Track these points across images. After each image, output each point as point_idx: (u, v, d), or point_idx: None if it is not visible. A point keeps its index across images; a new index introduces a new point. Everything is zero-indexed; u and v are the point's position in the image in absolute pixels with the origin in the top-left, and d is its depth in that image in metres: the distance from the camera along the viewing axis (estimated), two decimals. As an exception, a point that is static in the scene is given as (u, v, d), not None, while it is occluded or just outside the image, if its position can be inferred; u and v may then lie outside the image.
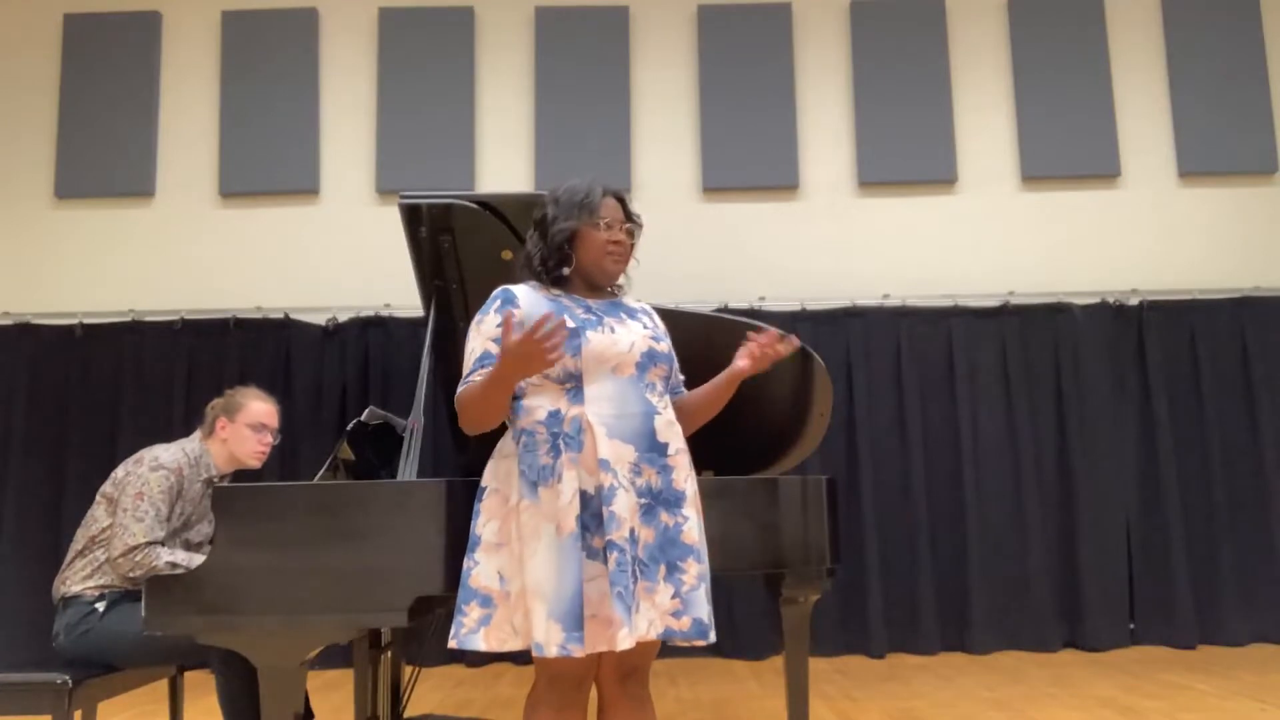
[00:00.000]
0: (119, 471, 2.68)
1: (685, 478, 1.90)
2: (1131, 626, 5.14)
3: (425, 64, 5.59)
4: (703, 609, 1.81)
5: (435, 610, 2.77)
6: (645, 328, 1.98)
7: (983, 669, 4.63)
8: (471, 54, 5.62)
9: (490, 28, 5.69)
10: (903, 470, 5.21)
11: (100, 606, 2.57)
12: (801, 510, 2.69)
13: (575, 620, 1.73)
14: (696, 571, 1.83)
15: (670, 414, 1.95)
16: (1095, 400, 5.28)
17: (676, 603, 1.80)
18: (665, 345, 1.98)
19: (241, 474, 2.98)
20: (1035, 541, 5.13)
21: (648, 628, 1.78)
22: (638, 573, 1.80)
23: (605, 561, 1.77)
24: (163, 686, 2.95)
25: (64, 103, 5.55)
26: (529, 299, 1.93)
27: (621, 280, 2.04)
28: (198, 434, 2.85)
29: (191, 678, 3.39)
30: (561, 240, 1.95)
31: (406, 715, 3.37)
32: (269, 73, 5.59)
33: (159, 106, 5.59)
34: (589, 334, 1.87)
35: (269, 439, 2.87)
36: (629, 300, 2.07)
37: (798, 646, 2.80)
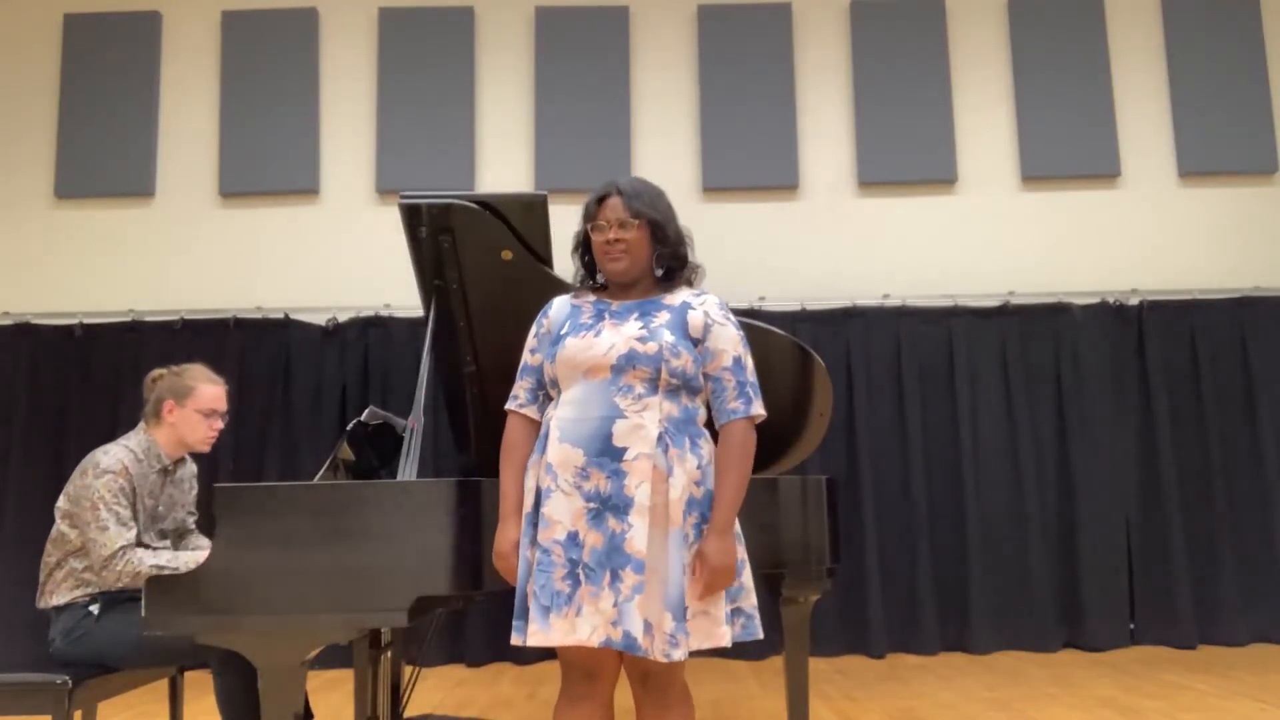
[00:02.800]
0: (69, 487, 2.61)
1: (638, 484, 1.82)
2: (1131, 626, 5.14)
3: (425, 64, 5.59)
4: (634, 622, 1.75)
5: (435, 610, 2.77)
6: (642, 328, 1.91)
7: (983, 669, 4.63)
8: (471, 54, 5.62)
9: (490, 28, 5.69)
10: (903, 470, 5.21)
11: (94, 610, 2.56)
12: (801, 510, 2.69)
13: (520, 610, 1.86)
14: (633, 582, 1.77)
15: (641, 419, 1.85)
16: (1095, 400, 5.28)
17: (614, 611, 1.76)
18: (654, 346, 1.87)
19: (240, 473, 2.97)
20: (1035, 542, 5.13)
21: (590, 634, 1.76)
22: (582, 577, 1.79)
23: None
24: (162, 686, 2.96)
25: (64, 103, 5.55)
26: (558, 306, 2.05)
27: (695, 275, 2.05)
28: (141, 426, 2.74)
29: (191, 678, 3.39)
30: (576, 246, 2.07)
31: (406, 715, 3.37)
32: (269, 73, 5.59)
33: (159, 106, 5.60)
34: (567, 341, 1.93)
35: (219, 424, 2.77)
36: (674, 298, 1.99)
37: (798, 646, 2.80)
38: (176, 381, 2.72)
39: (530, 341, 2.05)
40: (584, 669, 1.91)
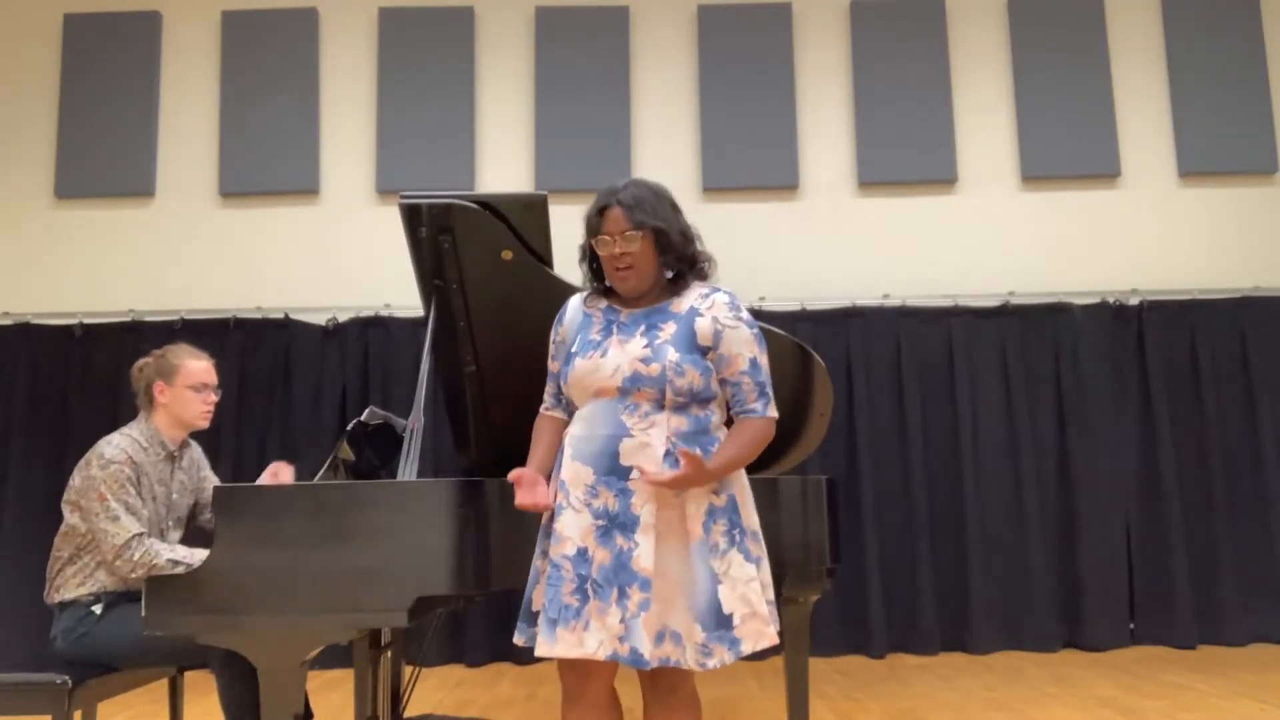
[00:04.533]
0: (75, 480, 2.60)
1: (644, 503, 1.84)
2: (1131, 626, 5.14)
3: (425, 64, 5.59)
4: (641, 639, 1.78)
5: (435, 610, 2.77)
6: (646, 345, 1.90)
7: (983, 669, 4.63)
8: (471, 54, 5.62)
9: (490, 28, 5.69)
10: (903, 470, 5.21)
11: (97, 609, 2.56)
12: (801, 510, 2.69)
13: (526, 615, 1.94)
14: (639, 599, 1.80)
15: (647, 437, 1.86)
16: (1095, 400, 5.28)
17: (621, 628, 1.80)
18: (657, 367, 1.86)
19: (237, 473, 2.97)
20: (1035, 541, 5.13)
21: (597, 647, 1.80)
22: (590, 592, 1.82)
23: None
24: (163, 686, 2.96)
25: (64, 103, 5.55)
26: (572, 313, 2.05)
27: (709, 266, 2.03)
28: (141, 416, 2.75)
29: (191, 678, 3.40)
30: (583, 256, 2.04)
31: (406, 715, 3.37)
32: (269, 73, 5.59)
33: (159, 106, 5.60)
34: (576, 361, 1.94)
35: (212, 397, 2.78)
36: (682, 302, 1.97)
37: (798, 647, 2.80)
38: (161, 363, 2.74)
39: (550, 348, 2.10)
40: (579, 670, 1.92)
